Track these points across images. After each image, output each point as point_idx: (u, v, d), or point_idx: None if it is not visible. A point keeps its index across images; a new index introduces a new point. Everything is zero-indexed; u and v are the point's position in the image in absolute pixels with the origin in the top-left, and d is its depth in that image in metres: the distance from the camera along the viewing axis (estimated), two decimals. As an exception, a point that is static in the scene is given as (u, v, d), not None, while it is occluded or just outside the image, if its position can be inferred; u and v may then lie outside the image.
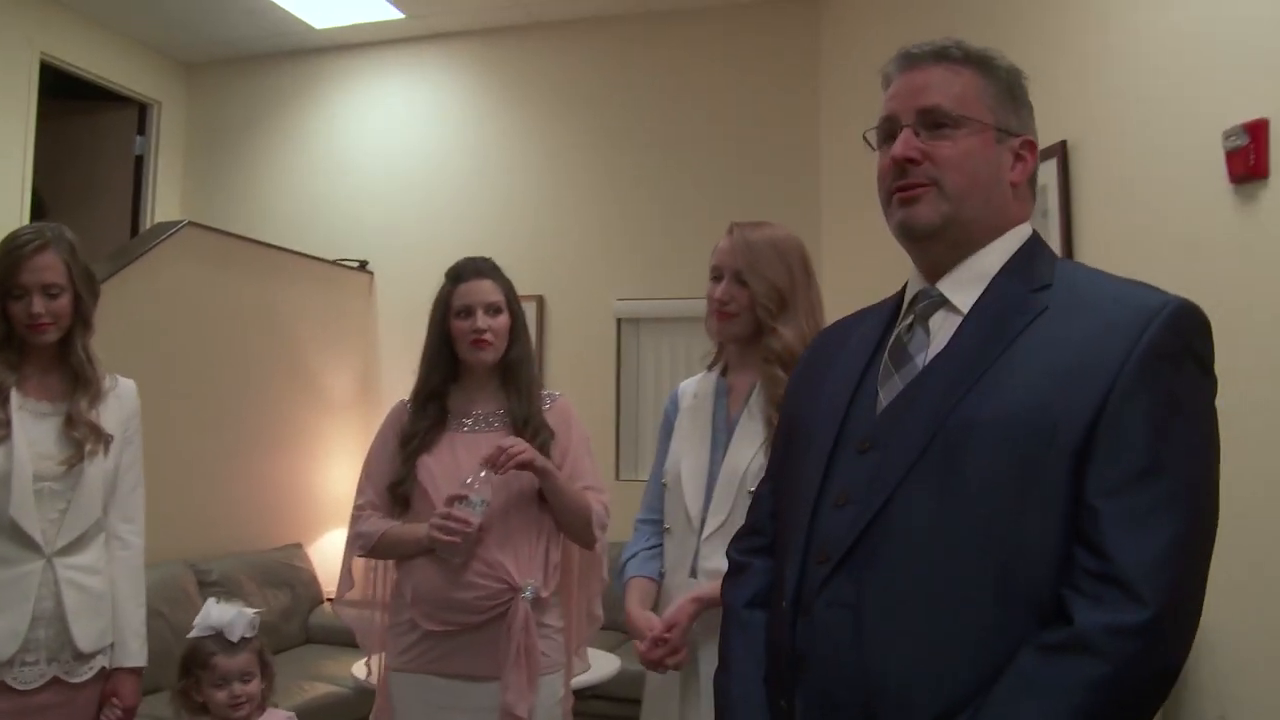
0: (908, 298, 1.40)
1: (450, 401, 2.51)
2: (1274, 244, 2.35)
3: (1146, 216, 2.83)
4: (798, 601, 1.31)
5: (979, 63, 1.34)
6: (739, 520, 1.95)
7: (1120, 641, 1.09)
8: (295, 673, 4.29)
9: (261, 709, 2.41)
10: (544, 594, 2.38)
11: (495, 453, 2.28)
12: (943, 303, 1.33)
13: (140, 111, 6.22)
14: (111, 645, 2.29)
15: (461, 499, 2.27)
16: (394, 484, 2.45)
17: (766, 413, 2.03)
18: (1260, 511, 2.37)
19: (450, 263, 5.80)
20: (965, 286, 1.32)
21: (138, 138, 6.21)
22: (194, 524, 4.42)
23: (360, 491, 2.54)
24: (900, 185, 1.32)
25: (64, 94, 5.93)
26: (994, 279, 1.31)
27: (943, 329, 1.32)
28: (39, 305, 2.18)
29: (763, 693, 1.37)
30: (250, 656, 2.37)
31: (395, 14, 5.68)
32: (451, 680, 2.35)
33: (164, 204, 6.21)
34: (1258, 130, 2.37)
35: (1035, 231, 1.38)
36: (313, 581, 5.05)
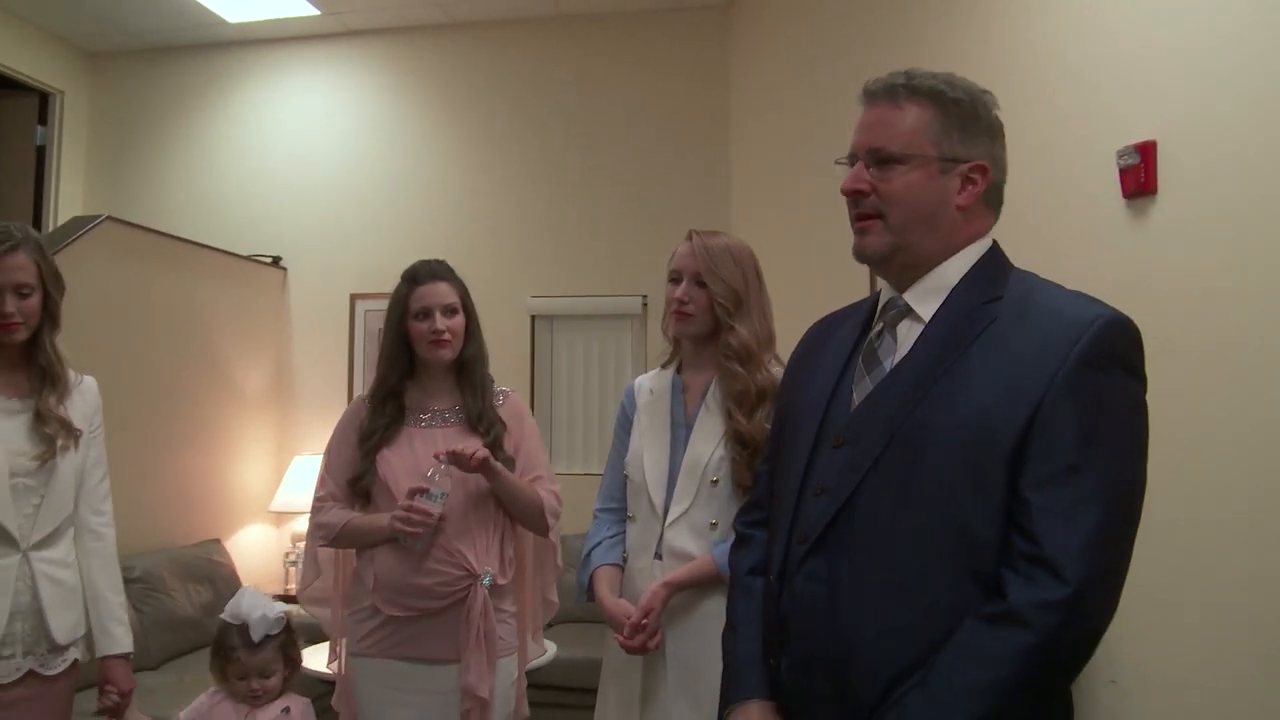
0: (880, 304, 1.57)
1: (407, 398, 2.59)
2: (1162, 254, 2.58)
3: (1046, 227, 3.04)
4: (782, 575, 1.51)
5: (931, 95, 1.47)
6: (701, 508, 2.12)
7: (1045, 614, 1.26)
8: (219, 667, 4.31)
9: (281, 693, 2.51)
10: (501, 581, 2.50)
11: (457, 451, 2.39)
12: (908, 311, 1.50)
13: (42, 101, 6.06)
14: (84, 636, 2.34)
15: (422, 492, 2.37)
16: (354, 479, 2.53)
17: (725, 407, 2.18)
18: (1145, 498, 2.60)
19: (362, 259, 5.84)
20: (927, 297, 1.48)
21: (39, 127, 6.05)
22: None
23: (321, 484, 2.61)
24: (855, 214, 1.50)
25: (-39, 81, 5.77)
26: (952, 290, 1.47)
27: (908, 336, 1.49)
28: (10, 305, 2.21)
29: (761, 652, 1.56)
30: (271, 654, 2.47)
31: (310, 10, 5.66)
32: (411, 664, 2.45)
33: (67, 196, 6.08)
34: (1147, 150, 2.59)
35: (995, 244, 1.54)
36: (233, 576, 5.01)
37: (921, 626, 1.35)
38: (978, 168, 1.47)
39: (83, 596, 2.34)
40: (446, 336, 2.53)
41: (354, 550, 2.59)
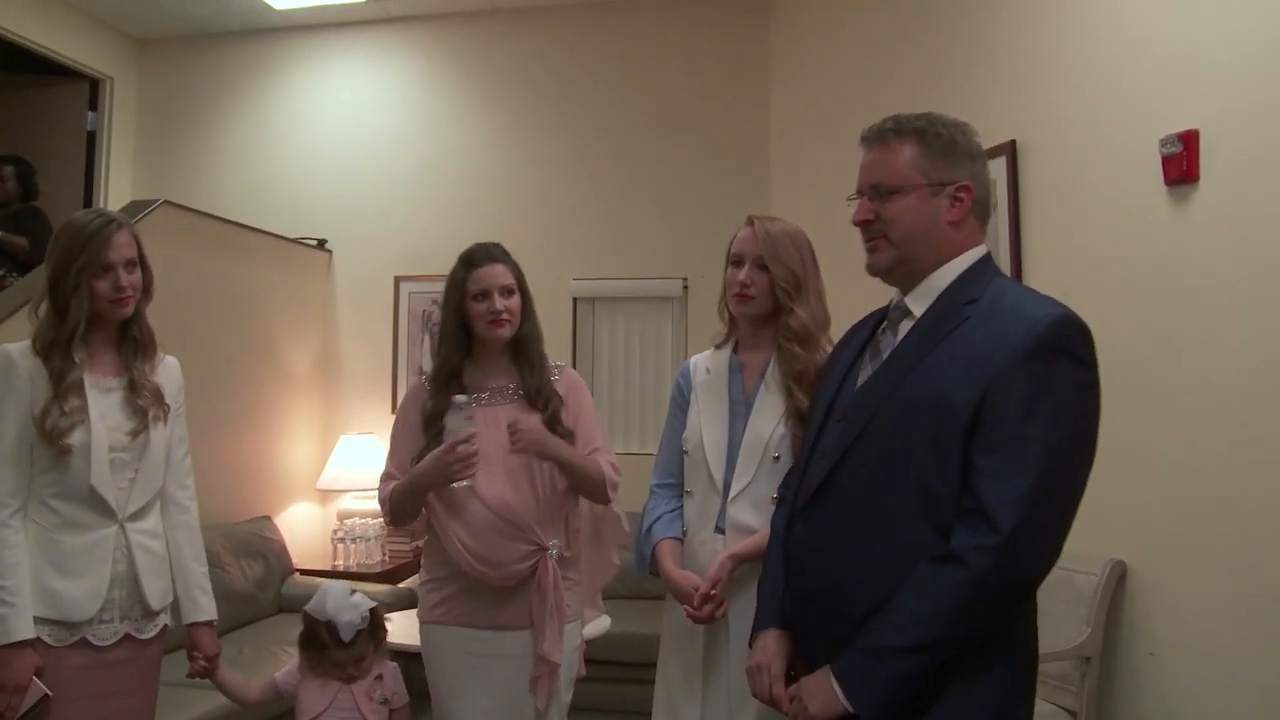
0: (890, 307, 1.86)
1: (466, 377, 2.68)
2: (1203, 241, 2.65)
3: (1088, 213, 3.11)
4: (790, 524, 1.86)
5: (915, 133, 1.75)
6: (763, 483, 2.23)
7: (979, 556, 1.53)
8: (271, 639, 4.44)
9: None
10: (566, 553, 2.61)
11: (513, 431, 2.49)
12: (908, 312, 1.78)
13: (92, 86, 6.19)
14: (173, 603, 2.47)
15: (464, 440, 2.46)
16: (419, 457, 2.60)
17: (785, 385, 2.28)
18: (1186, 475, 2.68)
19: (405, 241, 5.94)
20: (921, 299, 1.77)
21: (89, 113, 6.19)
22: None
23: (386, 465, 2.71)
24: (865, 238, 1.81)
25: (14, 68, 5.90)
26: (941, 293, 1.74)
27: (904, 331, 1.78)
28: (124, 279, 2.34)
29: (782, 589, 1.86)
30: (362, 643, 2.57)
31: (355, -3, 5.77)
32: (481, 630, 2.56)
33: (117, 181, 6.22)
34: (1189, 139, 2.67)
35: (987, 254, 1.79)
36: (283, 552, 5.15)
37: (891, 566, 1.62)
38: (963, 188, 1.74)
39: (169, 566, 2.47)
40: (505, 316, 2.61)
41: (427, 523, 2.68)
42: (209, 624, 2.53)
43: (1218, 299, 2.61)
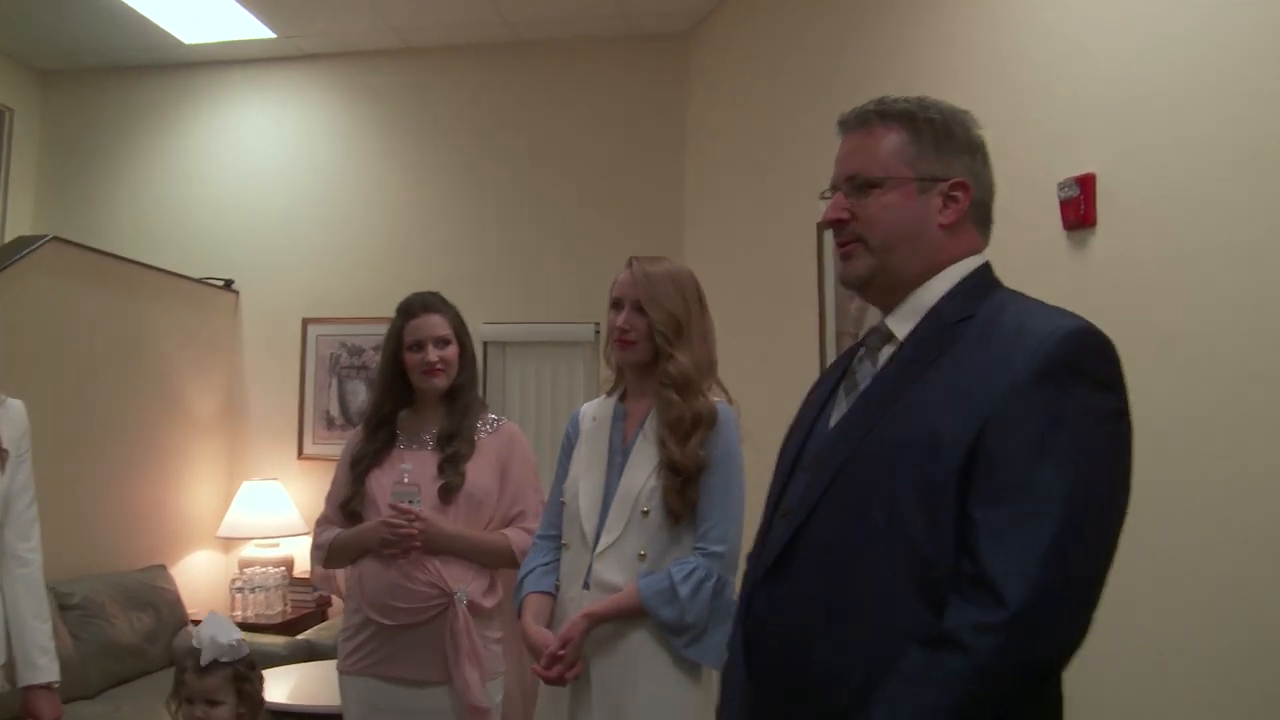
0: (865, 331, 1.54)
1: (403, 424, 2.69)
2: (1101, 284, 2.62)
3: (990, 256, 3.08)
4: (748, 600, 1.49)
5: (901, 117, 1.46)
6: (631, 539, 2.12)
7: (981, 637, 1.19)
8: (155, 696, 4.19)
9: None
10: (484, 604, 2.54)
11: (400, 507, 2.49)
12: (889, 335, 1.46)
13: (-10, 118, 5.99)
14: (3, 666, 2.29)
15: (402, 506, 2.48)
16: (344, 501, 2.62)
17: (659, 435, 2.17)
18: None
19: (315, 283, 5.83)
20: (906, 319, 1.44)
21: (-12, 146, 5.98)
22: (54, 545, 4.22)
23: (324, 507, 2.71)
24: (838, 242, 1.49)
25: (-92, 98, 5.70)
26: (929, 311, 1.42)
27: (884, 359, 1.46)
28: None
29: (744, 679, 1.50)
30: (220, 681, 2.39)
31: (267, 33, 5.62)
32: (395, 684, 2.49)
33: (16, 215, 5.99)
34: (1086, 183, 2.64)
35: (985, 264, 1.49)
36: (177, 603, 4.92)
37: (874, 649, 1.29)
38: (958, 185, 1.45)
39: (4, 625, 2.30)
40: (439, 366, 2.63)
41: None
42: (48, 686, 2.36)
43: (1117, 344, 2.57)
